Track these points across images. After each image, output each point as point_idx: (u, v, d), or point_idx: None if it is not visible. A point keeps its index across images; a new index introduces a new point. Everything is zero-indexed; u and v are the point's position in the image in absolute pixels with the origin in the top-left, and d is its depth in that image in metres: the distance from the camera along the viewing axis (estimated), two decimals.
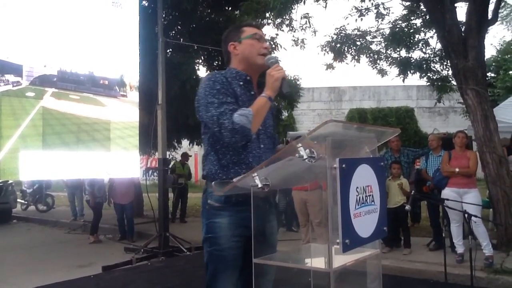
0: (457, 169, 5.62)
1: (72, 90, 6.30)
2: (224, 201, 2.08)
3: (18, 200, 13.07)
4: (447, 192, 5.62)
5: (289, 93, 2.17)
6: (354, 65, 9.79)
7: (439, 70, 9.58)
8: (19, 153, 5.51)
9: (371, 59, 9.78)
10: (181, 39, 9.24)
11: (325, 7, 7.96)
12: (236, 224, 2.07)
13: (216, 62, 10.29)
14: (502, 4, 9.85)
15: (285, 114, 12.74)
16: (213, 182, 2.05)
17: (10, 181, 11.49)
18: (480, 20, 6.53)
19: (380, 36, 9.65)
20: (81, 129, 6.29)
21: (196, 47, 9.23)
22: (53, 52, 6.06)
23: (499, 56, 18.11)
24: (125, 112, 7.08)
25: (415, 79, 11.64)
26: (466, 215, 4.50)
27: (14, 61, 5.66)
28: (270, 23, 9.25)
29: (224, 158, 2.10)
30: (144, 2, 8.70)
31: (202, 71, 10.55)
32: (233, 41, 2.25)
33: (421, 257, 5.98)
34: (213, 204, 2.11)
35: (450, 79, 9.24)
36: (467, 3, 6.75)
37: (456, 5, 6.85)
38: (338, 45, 9.29)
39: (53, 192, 14.05)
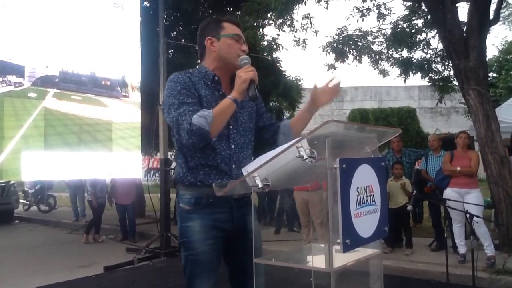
0: (458, 168, 5.61)
1: (74, 90, 6.32)
2: (194, 203, 2.04)
3: (20, 200, 13.09)
4: (449, 192, 5.61)
5: (254, 97, 2.07)
6: (356, 66, 9.77)
7: (441, 70, 9.57)
8: (21, 154, 5.52)
9: (372, 59, 9.77)
10: (183, 40, 9.26)
11: (327, 7, 7.94)
12: (208, 227, 2.02)
13: None
14: (504, 4, 9.82)
15: (286, 114, 12.72)
16: (213, 184, 1.95)
17: (12, 182, 11.53)
18: (481, 20, 6.52)
19: (382, 37, 9.65)
20: (83, 130, 6.31)
21: (197, 48, 9.23)
22: (55, 53, 6.07)
23: (501, 56, 18.09)
24: (127, 112, 7.09)
25: (416, 80, 11.66)
26: (468, 216, 4.49)
27: (16, 62, 5.67)
28: (272, 23, 9.25)
29: (192, 160, 2.05)
30: (145, 3, 8.73)
31: None
32: (211, 36, 2.14)
33: (423, 258, 5.97)
34: (184, 207, 2.07)
35: (452, 79, 9.22)
36: (469, 3, 6.75)
37: (457, 5, 6.85)
38: (340, 46, 9.28)
39: (55, 193, 14.08)
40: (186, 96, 2.01)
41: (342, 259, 1.59)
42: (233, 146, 2.09)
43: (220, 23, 2.17)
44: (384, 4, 8.92)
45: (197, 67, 2.22)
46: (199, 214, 2.03)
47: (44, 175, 6.35)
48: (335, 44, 9.29)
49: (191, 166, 2.05)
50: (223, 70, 2.15)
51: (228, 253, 2.14)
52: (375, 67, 9.92)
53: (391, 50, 9.70)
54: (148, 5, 8.92)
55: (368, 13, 8.96)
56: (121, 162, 6.84)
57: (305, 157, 1.52)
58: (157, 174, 11.46)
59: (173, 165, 10.47)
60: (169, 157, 7.94)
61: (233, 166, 2.07)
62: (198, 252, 2.01)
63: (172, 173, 8.96)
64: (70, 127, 6.16)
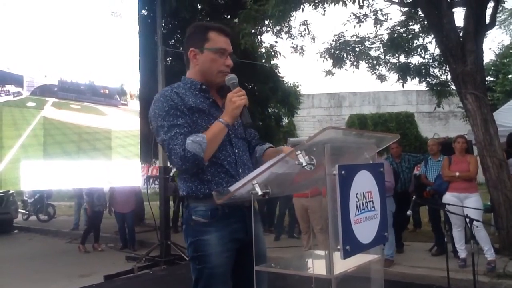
0: (457, 173, 5.62)
1: (73, 99, 6.32)
2: (210, 215, 1.97)
3: (19, 210, 13.06)
4: (448, 197, 5.62)
5: (248, 125, 2.05)
6: (353, 71, 9.88)
7: (438, 75, 9.63)
8: (20, 163, 5.52)
9: (370, 64, 9.83)
10: (181, 48, 9.25)
11: (324, 14, 7.98)
12: (225, 239, 1.97)
13: None
14: (500, 8, 9.88)
15: (285, 120, 12.74)
16: (213, 193, 1.88)
17: (11, 191, 11.51)
18: (478, 25, 6.56)
19: (379, 42, 9.71)
20: (82, 139, 6.30)
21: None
22: (53, 62, 6.09)
23: (498, 60, 18.16)
24: (126, 120, 7.10)
25: (414, 84, 11.69)
26: (467, 220, 4.49)
27: (14, 71, 5.68)
28: (269, 30, 9.30)
29: (201, 172, 1.98)
30: (143, 11, 8.76)
31: None
32: (195, 47, 2.06)
33: (424, 262, 5.97)
34: (199, 220, 1.98)
35: (449, 83, 9.27)
36: (465, 8, 6.79)
37: (453, 10, 6.90)
38: (337, 52, 9.33)
39: (54, 202, 14.05)
40: (175, 116, 1.93)
41: (342, 266, 1.59)
42: (236, 150, 2.07)
43: (206, 33, 2.06)
44: (381, 10, 9.00)
45: (182, 79, 2.13)
46: (216, 226, 1.97)
47: (43, 184, 6.34)
48: (332, 50, 9.35)
49: (202, 178, 1.99)
50: (207, 83, 2.09)
51: (237, 263, 2.07)
52: (373, 73, 9.98)
53: (388, 56, 9.77)
54: (146, 13, 8.95)
55: (365, 19, 9.02)
56: (121, 170, 6.83)
57: (304, 164, 1.53)
58: (156, 182, 11.42)
59: (172, 172, 10.51)
60: (168, 164, 7.94)
61: (240, 170, 2.04)
62: (214, 265, 1.95)
63: (172, 183, 8.97)
64: (69, 136, 6.16)
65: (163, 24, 8.55)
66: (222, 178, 1.99)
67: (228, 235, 1.98)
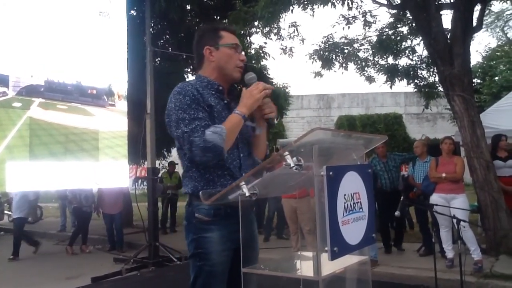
0: (443, 174, 5.66)
1: (60, 100, 6.26)
2: (213, 214, 2.01)
3: (5, 211, 12.88)
4: (435, 198, 5.65)
5: (273, 124, 2.16)
6: (342, 73, 9.89)
7: (426, 76, 9.70)
8: (6, 164, 5.44)
9: (358, 66, 9.87)
10: (170, 48, 9.26)
11: (313, 15, 7.99)
12: (225, 238, 2.02)
13: None
14: (487, 11, 9.99)
15: (274, 121, 12.75)
16: (200, 192, 1.95)
17: None
18: (465, 28, 6.62)
19: (368, 44, 9.75)
20: (69, 139, 6.24)
21: (184, 56, 9.24)
22: (40, 62, 6.02)
23: (485, 62, 18.37)
24: (113, 121, 7.04)
25: (402, 86, 11.78)
26: (454, 220, 4.52)
27: (0, 71, 5.61)
28: (259, 31, 9.30)
29: (208, 172, 2.02)
30: (132, 11, 8.70)
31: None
32: (210, 45, 2.13)
33: (412, 263, 6.00)
34: (201, 218, 2.03)
35: (437, 85, 9.35)
36: (452, 11, 6.85)
37: (441, 12, 6.95)
38: (326, 53, 9.36)
39: (41, 203, 13.88)
40: (196, 110, 1.97)
41: (330, 267, 1.59)
42: (241, 155, 2.11)
43: (217, 31, 2.15)
44: (370, 11, 9.03)
45: (195, 76, 2.19)
46: (218, 225, 2.02)
47: (30, 185, 6.27)
48: (321, 52, 9.37)
49: (208, 178, 2.03)
50: (222, 80, 2.14)
51: (232, 263, 2.09)
52: (362, 74, 10.02)
53: (377, 57, 9.82)
54: (134, 13, 8.90)
55: (353, 21, 9.05)
56: (108, 171, 6.78)
57: (292, 165, 1.52)
58: (144, 183, 11.35)
59: (161, 173, 10.44)
60: (158, 165, 7.90)
61: (243, 174, 2.06)
62: (214, 263, 2.00)
63: (161, 184, 8.92)
64: (56, 137, 6.09)
65: (152, 25, 8.51)
66: (227, 180, 2.03)
67: (228, 235, 2.02)
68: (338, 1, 7.28)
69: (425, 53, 8.79)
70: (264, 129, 2.20)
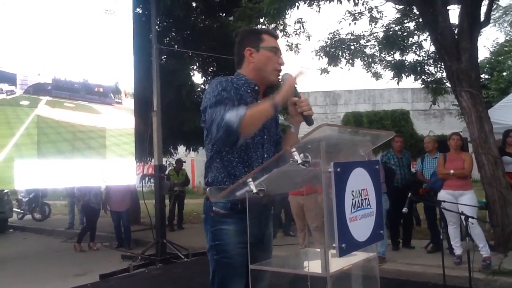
0: (451, 171, 5.63)
1: (67, 98, 6.29)
2: (230, 208, 2.04)
3: (14, 209, 12.99)
4: (443, 194, 5.62)
5: (311, 122, 2.15)
6: (349, 69, 9.85)
7: (433, 72, 9.62)
8: (14, 162, 5.49)
9: (365, 62, 9.80)
10: (175, 46, 9.26)
11: (319, 11, 7.95)
12: (241, 231, 2.02)
13: (211, 68, 10.31)
14: (494, 6, 9.91)
15: (281, 118, 12.73)
16: (207, 189, 1.98)
17: (5, 191, 11.45)
18: (472, 23, 6.56)
19: (374, 40, 9.69)
20: (76, 137, 6.27)
21: (190, 53, 9.24)
22: (47, 60, 6.05)
23: (493, 58, 18.21)
24: (120, 119, 7.07)
25: (409, 82, 11.70)
26: (463, 217, 4.50)
27: (8, 70, 5.65)
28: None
29: (230, 165, 2.05)
30: (137, 9, 8.71)
31: (197, 77, 10.55)
32: (251, 46, 2.17)
33: (419, 260, 5.97)
34: (218, 211, 2.06)
35: (444, 81, 9.27)
36: (459, 6, 6.79)
37: (448, 7, 6.88)
38: (332, 50, 9.32)
39: (49, 201, 13.98)
40: (225, 97, 2.00)
41: (338, 264, 1.58)
42: (265, 156, 2.13)
43: (259, 34, 2.21)
44: (376, 7, 8.98)
45: (235, 74, 2.22)
46: (234, 218, 2.04)
47: (38, 183, 6.31)
48: (327, 48, 9.32)
49: (230, 172, 2.06)
50: (259, 81, 2.18)
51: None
52: (368, 70, 9.96)
53: (383, 53, 9.75)
54: (140, 11, 8.91)
55: (360, 17, 9.01)
56: (115, 169, 6.80)
57: (299, 161, 1.51)
58: (152, 180, 11.38)
59: (168, 170, 10.47)
60: (164, 163, 7.91)
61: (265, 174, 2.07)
62: (231, 255, 2.03)
63: (168, 181, 8.94)
64: (63, 135, 6.13)
65: (157, 22, 8.52)
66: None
67: (244, 228, 2.02)
68: None
69: (432, 48, 8.72)
70: (298, 127, 2.21)
